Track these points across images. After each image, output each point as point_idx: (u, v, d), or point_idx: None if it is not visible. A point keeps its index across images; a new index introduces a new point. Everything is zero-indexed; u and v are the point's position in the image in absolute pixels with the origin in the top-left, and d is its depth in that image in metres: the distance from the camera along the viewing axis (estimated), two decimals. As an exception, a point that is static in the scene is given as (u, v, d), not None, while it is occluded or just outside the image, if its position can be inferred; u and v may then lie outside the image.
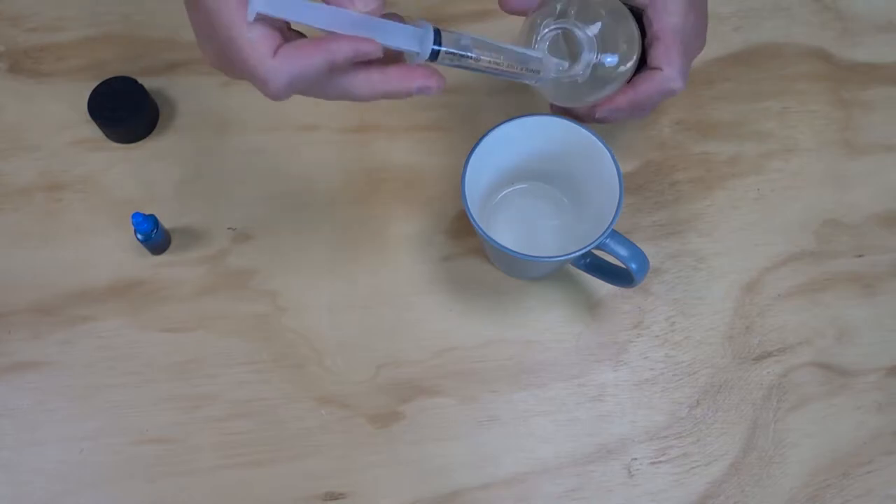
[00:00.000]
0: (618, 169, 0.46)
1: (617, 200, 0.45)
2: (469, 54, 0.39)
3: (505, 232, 0.52)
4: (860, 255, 0.55)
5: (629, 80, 0.45)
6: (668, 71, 0.44)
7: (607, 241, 0.45)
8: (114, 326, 0.52)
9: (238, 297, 0.52)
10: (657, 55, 0.44)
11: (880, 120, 0.59)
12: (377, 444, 0.50)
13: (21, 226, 0.54)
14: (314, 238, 0.54)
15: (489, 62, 0.40)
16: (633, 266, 0.45)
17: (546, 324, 0.53)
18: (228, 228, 0.54)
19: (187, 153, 0.56)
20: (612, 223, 0.44)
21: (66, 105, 0.56)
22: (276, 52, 0.34)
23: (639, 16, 0.45)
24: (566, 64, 0.44)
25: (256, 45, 0.34)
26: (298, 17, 0.34)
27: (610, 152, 0.46)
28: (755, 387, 0.52)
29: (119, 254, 0.53)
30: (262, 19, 0.34)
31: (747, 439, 0.51)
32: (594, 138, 0.46)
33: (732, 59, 0.60)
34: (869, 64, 0.60)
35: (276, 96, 0.35)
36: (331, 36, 0.35)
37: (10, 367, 0.51)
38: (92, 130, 0.56)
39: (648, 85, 0.44)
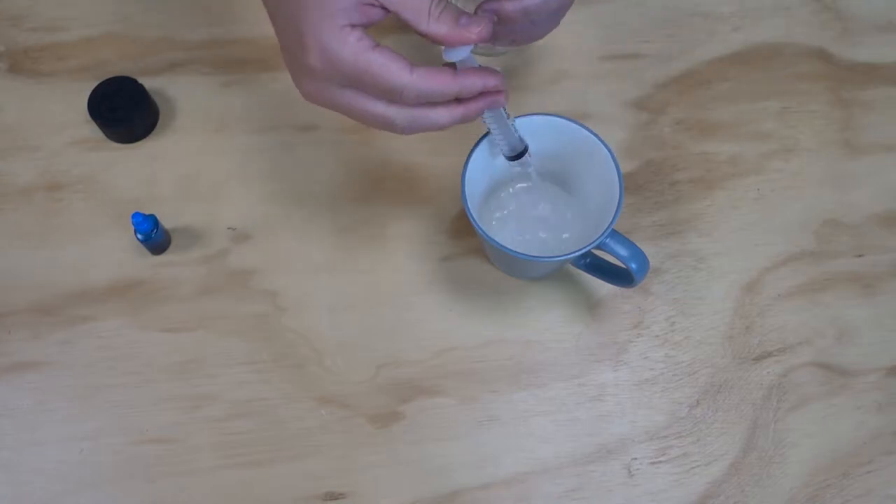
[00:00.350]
0: (618, 169, 0.46)
1: (617, 200, 0.45)
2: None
3: (505, 232, 0.52)
4: (860, 255, 0.55)
5: None
6: None
7: (607, 240, 0.45)
8: (114, 326, 0.52)
9: (238, 297, 0.52)
10: None
11: (880, 120, 0.59)
12: (377, 444, 0.50)
13: (21, 226, 0.54)
14: (314, 238, 0.54)
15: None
16: (633, 266, 0.45)
17: (546, 324, 0.53)
18: (228, 228, 0.54)
19: (187, 153, 0.56)
20: (612, 223, 0.44)
21: (66, 105, 0.56)
22: (411, 70, 0.37)
23: None
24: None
25: (396, 57, 0.37)
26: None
27: (610, 152, 0.46)
28: (755, 387, 0.52)
29: (119, 254, 0.53)
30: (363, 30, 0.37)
31: (747, 439, 0.51)
32: (594, 138, 0.46)
33: (732, 59, 0.60)
34: (869, 64, 0.61)
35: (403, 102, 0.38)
36: (461, 70, 0.38)
37: (10, 367, 0.51)
38: (92, 130, 0.56)
39: None
